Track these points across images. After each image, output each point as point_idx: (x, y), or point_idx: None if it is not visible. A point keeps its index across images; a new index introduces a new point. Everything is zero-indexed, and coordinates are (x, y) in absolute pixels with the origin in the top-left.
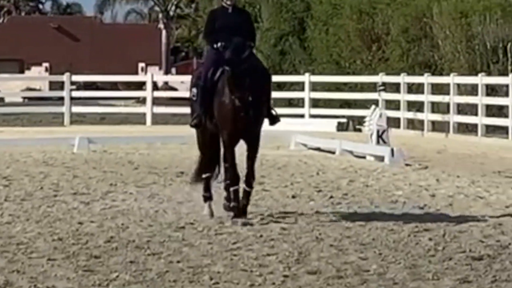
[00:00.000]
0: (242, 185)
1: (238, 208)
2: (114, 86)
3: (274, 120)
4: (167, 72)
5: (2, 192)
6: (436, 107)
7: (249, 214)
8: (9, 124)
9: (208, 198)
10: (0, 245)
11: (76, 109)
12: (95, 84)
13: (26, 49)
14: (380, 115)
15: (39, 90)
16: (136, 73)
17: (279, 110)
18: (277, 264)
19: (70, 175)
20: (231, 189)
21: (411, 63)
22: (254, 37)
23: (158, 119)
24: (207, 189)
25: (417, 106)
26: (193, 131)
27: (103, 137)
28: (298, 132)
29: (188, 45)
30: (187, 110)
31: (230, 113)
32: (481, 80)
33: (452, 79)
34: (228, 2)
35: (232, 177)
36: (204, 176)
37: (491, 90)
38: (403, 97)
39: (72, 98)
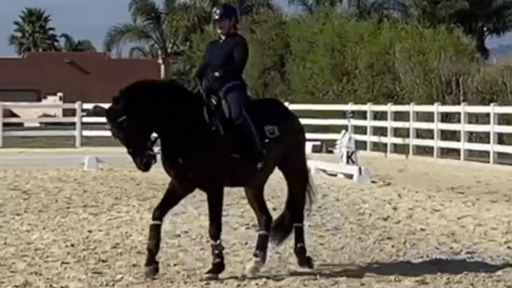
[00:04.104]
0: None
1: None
2: None
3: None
4: None
5: (22, 204)
6: (397, 132)
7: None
8: (28, 146)
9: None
10: (20, 250)
11: (86, 132)
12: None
13: (43, 80)
14: (349, 139)
15: (54, 116)
16: None
17: None
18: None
19: (80, 190)
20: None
21: (376, 93)
22: (240, 63)
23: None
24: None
25: (381, 131)
26: None
27: (109, 157)
28: None
29: (184, 77)
30: None
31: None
32: (437, 108)
33: (412, 108)
34: (219, 31)
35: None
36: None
37: (446, 117)
38: (369, 123)
39: (82, 123)
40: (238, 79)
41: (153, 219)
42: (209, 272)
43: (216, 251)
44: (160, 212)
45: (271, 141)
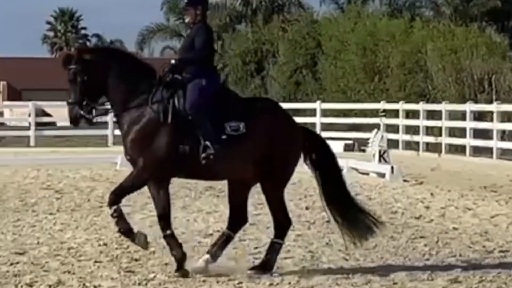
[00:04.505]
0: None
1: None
2: None
3: None
4: None
5: (55, 204)
6: (430, 131)
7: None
8: (60, 145)
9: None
10: (53, 249)
11: (119, 131)
12: None
13: None
14: (382, 137)
15: None
16: None
17: None
18: (293, 266)
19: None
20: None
21: (408, 92)
22: (199, 51)
23: None
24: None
25: (413, 130)
26: None
27: None
28: None
29: None
30: None
31: None
32: (469, 107)
33: (444, 107)
34: (186, 20)
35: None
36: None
37: (478, 116)
38: (402, 122)
39: (115, 122)
40: (202, 68)
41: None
42: (177, 269)
43: (167, 242)
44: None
45: (233, 138)
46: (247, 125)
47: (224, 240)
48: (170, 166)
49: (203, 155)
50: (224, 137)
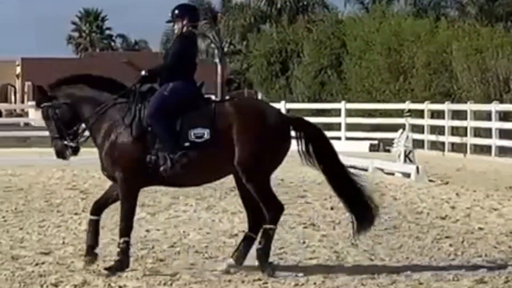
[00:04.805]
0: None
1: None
2: None
3: None
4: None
5: (81, 204)
6: (455, 131)
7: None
8: (86, 145)
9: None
10: (78, 250)
11: None
12: None
13: None
14: (407, 138)
15: None
16: None
17: None
18: (318, 266)
19: None
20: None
21: (433, 92)
22: (168, 62)
23: None
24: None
25: (438, 130)
26: None
27: None
28: None
29: (240, 77)
30: None
31: None
32: (494, 107)
33: (469, 107)
34: (175, 32)
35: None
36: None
37: (503, 116)
38: (427, 122)
39: None
40: (171, 77)
41: (91, 214)
42: (108, 268)
43: (119, 249)
44: (97, 206)
45: (196, 144)
46: (213, 130)
47: (247, 243)
48: (139, 177)
49: (161, 167)
50: (187, 144)
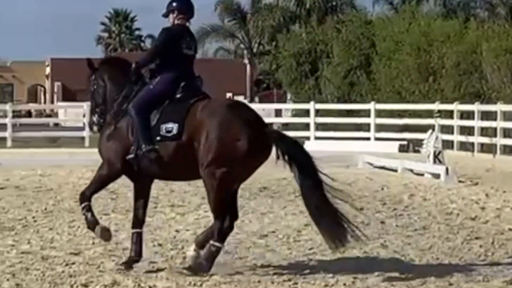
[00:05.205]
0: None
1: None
2: None
3: None
4: (251, 100)
5: (110, 205)
6: (485, 131)
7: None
8: None
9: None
10: (108, 250)
11: None
12: None
13: None
14: (436, 138)
15: None
16: None
17: (348, 134)
18: (347, 267)
19: (167, 190)
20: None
21: (463, 93)
22: (147, 53)
23: None
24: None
25: (468, 131)
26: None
27: None
28: (365, 153)
29: (270, 77)
30: None
31: None
32: None
33: (499, 107)
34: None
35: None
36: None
37: None
38: (456, 122)
39: None
40: (156, 69)
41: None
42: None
43: (83, 211)
44: (136, 220)
45: (166, 139)
46: (182, 126)
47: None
48: (124, 167)
49: (136, 158)
50: (158, 138)
